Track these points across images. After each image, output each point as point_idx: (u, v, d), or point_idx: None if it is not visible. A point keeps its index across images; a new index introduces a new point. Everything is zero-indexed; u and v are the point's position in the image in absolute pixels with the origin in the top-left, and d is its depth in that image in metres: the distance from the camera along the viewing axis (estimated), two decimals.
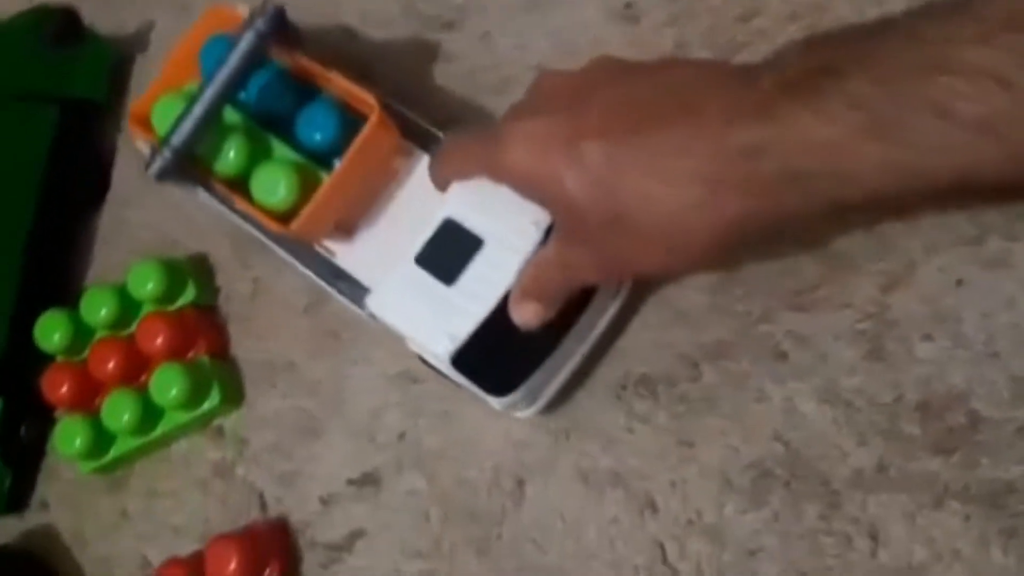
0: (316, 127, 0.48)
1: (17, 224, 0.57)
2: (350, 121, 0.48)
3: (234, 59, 0.45)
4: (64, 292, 0.59)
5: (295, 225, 0.46)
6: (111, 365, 0.54)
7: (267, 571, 0.50)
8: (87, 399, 0.55)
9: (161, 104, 0.50)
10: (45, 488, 0.59)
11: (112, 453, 0.55)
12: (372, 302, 0.44)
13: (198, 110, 0.46)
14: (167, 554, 0.54)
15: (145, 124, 0.50)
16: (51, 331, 0.55)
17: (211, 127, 0.47)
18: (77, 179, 0.60)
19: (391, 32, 0.56)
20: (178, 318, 0.53)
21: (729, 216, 0.35)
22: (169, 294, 0.54)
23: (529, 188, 0.39)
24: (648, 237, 0.36)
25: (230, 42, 0.46)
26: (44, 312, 0.56)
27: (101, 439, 0.54)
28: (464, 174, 0.42)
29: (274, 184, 0.47)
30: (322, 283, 0.49)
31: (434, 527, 0.49)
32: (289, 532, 0.52)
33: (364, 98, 0.47)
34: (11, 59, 0.57)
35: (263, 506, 0.53)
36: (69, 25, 0.59)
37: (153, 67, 0.62)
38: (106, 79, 0.61)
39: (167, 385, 0.52)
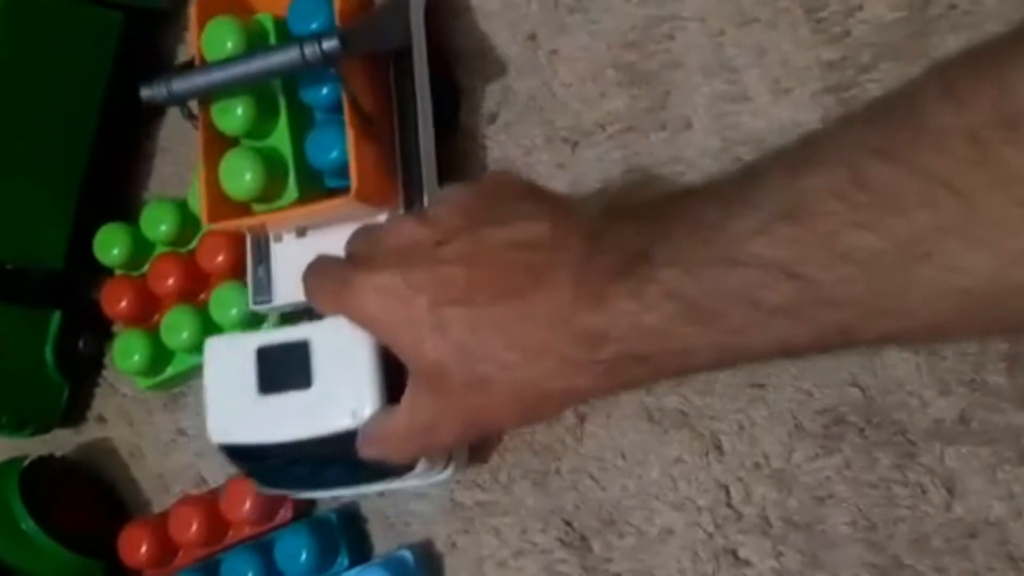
0: (326, 147, 0.46)
1: (79, 133, 0.56)
2: None
3: (264, 62, 0.43)
4: (123, 205, 0.58)
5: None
6: (171, 282, 0.53)
7: (281, 511, 0.51)
8: (146, 315, 0.54)
9: (216, 24, 0.47)
10: (102, 402, 0.59)
11: (170, 370, 0.54)
12: (210, 343, 0.45)
13: (211, 78, 0.44)
14: (223, 473, 0.54)
15: (202, 23, 0.48)
16: (110, 245, 0.55)
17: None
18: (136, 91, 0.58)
19: None
20: (239, 237, 0.52)
21: (582, 388, 0.36)
22: None
23: (384, 338, 0.39)
24: (507, 399, 0.37)
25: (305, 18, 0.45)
26: (103, 225, 0.55)
27: (159, 355, 0.54)
28: (322, 304, 0.41)
29: (240, 172, 0.46)
30: (249, 255, 0.49)
31: (492, 458, 0.49)
32: None
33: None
34: None
35: None
36: None
37: None
38: None
39: (227, 304, 0.51)
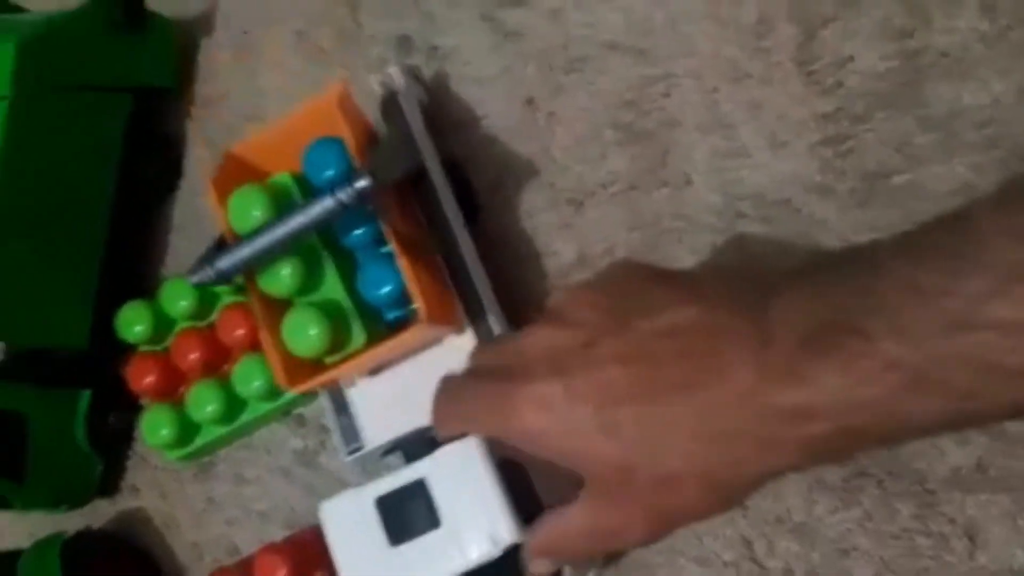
0: (379, 282, 0.45)
1: (96, 216, 0.57)
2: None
3: (305, 218, 0.43)
4: (141, 283, 0.59)
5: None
6: (194, 356, 0.54)
7: None
8: (171, 389, 0.56)
9: (240, 196, 0.46)
10: (135, 474, 0.60)
11: (198, 441, 0.55)
12: (325, 507, 0.43)
13: (256, 247, 0.44)
14: (255, 540, 0.55)
15: (222, 198, 0.47)
16: (132, 322, 0.56)
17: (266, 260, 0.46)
18: (151, 168, 0.60)
19: (460, 10, 0.54)
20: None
21: (779, 466, 0.34)
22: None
23: (549, 450, 0.37)
24: (698, 490, 0.35)
25: (332, 160, 0.45)
26: (124, 304, 0.56)
27: (186, 428, 0.55)
28: (468, 427, 0.40)
29: (303, 329, 0.45)
30: (328, 407, 0.48)
31: None
32: None
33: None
34: (80, 49, 0.56)
35: None
36: (134, 10, 0.58)
37: (219, 51, 0.61)
38: (173, 64, 0.61)
39: (250, 377, 0.52)
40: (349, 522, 0.42)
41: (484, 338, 0.46)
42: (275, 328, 0.46)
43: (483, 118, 0.52)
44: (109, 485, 0.60)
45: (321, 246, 0.47)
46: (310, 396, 0.54)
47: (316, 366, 0.46)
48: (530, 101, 0.51)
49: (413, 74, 0.52)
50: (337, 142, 0.45)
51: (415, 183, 0.48)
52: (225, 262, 0.44)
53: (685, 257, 0.47)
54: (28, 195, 0.53)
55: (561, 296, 0.38)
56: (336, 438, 0.48)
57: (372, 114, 0.50)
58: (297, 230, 0.43)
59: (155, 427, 0.55)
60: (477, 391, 0.39)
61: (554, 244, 0.50)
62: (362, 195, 0.42)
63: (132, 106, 0.58)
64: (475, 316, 0.46)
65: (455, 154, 0.51)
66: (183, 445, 0.55)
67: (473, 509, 0.40)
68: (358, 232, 0.46)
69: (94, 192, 0.57)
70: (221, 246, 0.45)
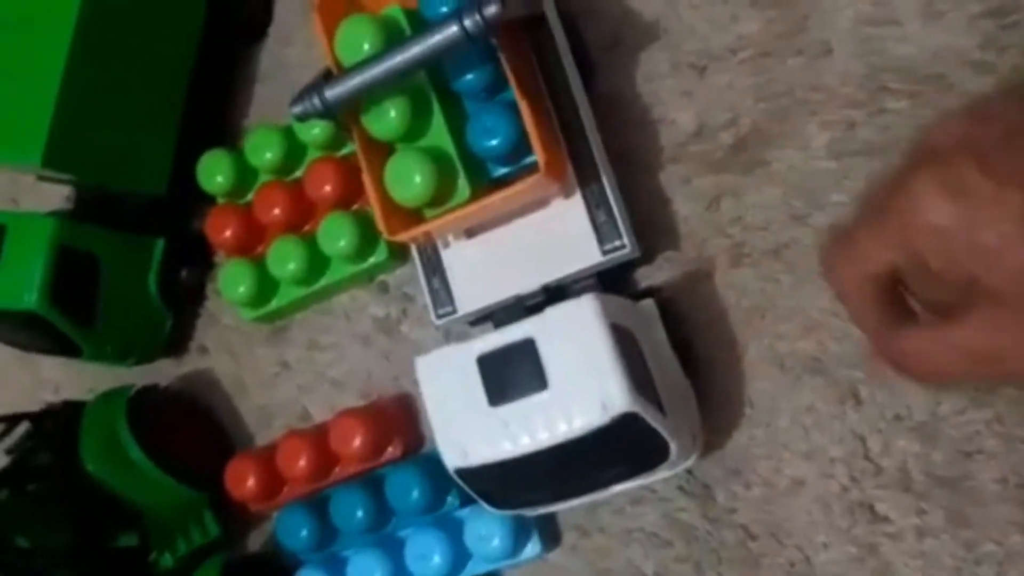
0: (491, 132, 0.42)
1: (180, 59, 0.54)
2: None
3: (423, 47, 0.39)
4: (224, 132, 0.56)
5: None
6: (277, 211, 0.52)
7: (390, 448, 0.49)
8: (251, 244, 0.53)
9: (350, 25, 0.43)
10: (204, 333, 0.58)
11: (275, 302, 0.53)
12: (421, 363, 0.41)
13: (368, 77, 0.40)
14: (328, 406, 0.53)
15: (329, 27, 0.44)
16: (214, 172, 0.53)
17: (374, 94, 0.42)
18: (239, 13, 0.56)
19: None
20: (346, 165, 0.50)
21: None
22: (336, 139, 0.51)
23: (954, 252, 0.31)
24: None
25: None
26: (206, 152, 0.53)
27: (265, 286, 0.52)
28: (870, 258, 0.34)
29: (408, 175, 0.42)
30: (419, 267, 0.46)
31: None
32: (415, 408, 0.51)
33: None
34: None
35: None
36: None
37: None
38: None
39: (335, 235, 0.50)
40: (447, 379, 0.40)
41: (594, 203, 0.43)
42: (377, 172, 0.43)
43: None
44: (177, 343, 0.58)
45: (430, 88, 0.44)
46: (395, 261, 0.51)
47: (417, 217, 0.43)
48: None
49: None
50: None
51: (530, 32, 0.44)
52: (333, 91, 0.41)
53: (816, 134, 0.44)
54: (110, 32, 0.50)
55: (972, 107, 0.33)
56: (427, 300, 0.46)
57: None
58: (414, 60, 0.40)
59: (233, 282, 0.52)
60: (872, 214, 0.33)
61: (672, 111, 0.47)
62: (489, 23, 0.38)
63: None
64: (586, 179, 0.43)
65: (569, 6, 0.48)
66: (260, 304, 0.53)
67: (585, 372, 0.37)
68: (471, 76, 0.42)
69: (179, 35, 0.54)
70: (328, 78, 0.42)
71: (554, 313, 0.38)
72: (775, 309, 0.44)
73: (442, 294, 0.45)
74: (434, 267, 0.46)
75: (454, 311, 0.45)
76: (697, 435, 0.42)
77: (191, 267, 0.56)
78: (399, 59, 0.40)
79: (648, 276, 0.46)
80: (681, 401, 0.42)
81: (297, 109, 0.41)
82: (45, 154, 0.48)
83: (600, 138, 0.44)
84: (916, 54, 0.42)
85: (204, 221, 0.54)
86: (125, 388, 0.54)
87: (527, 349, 0.38)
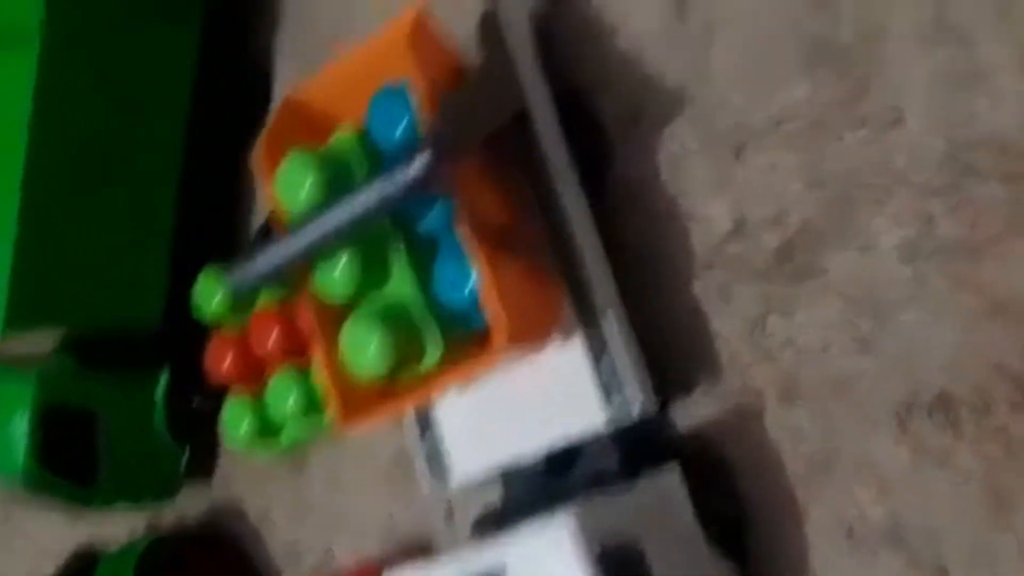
0: (459, 281, 0.34)
1: (163, 168, 0.48)
2: None
3: (353, 210, 0.32)
4: (229, 242, 0.51)
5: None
6: (272, 341, 0.45)
7: None
8: (251, 376, 0.47)
9: (290, 167, 0.36)
10: (228, 461, 0.53)
11: (284, 439, 0.47)
12: None
13: (300, 244, 0.33)
14: (351, 548, 0.47)
15: (273, 160, 0.37)
16: (211, 294, 0.47)
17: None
18: (230, 97, 0.50)
19: None
20: None
21: None
22: None
23: None
24: None
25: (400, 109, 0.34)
26: (202, 271, 0.48)
27: (269, 423, 0.46)
28: None
29: (362, 344, 0.34)
30: (409, 423, 0.39)
31: None
32: None
33: None
34: None
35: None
36: None
37: None
38: None
39: None
40: None
41: (596, 354, 0.34)
42: (332, 340, 0.35)
43: (618, 28, 0.39)
44: (202, 472, 0.53)
45: (391, 231, 0.36)
46: None
47: (380, 395, 0.35)
48: (682, 2, 0.38)
49: None
50: (402, 94, 0.34)
51: (519, 126, 0.36)
52: (263, 265, 0.34)
53: (884, 231, 0.34)
54: (68, 160, 0.45)
55: None
56: (418, 464, 0.38)
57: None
58: (346, 225, 0.32)
59: (236, 421, 0.46)
60: None
61: (703, 204, 0.38)
62: (422, 178, 0.31)
63: (201, 28, 0.48)
64: (587, 320, 0.35)
65: (578, 82, 0.39)
66: (269, 441, 0.47)
67: None
68: (434, 213, 0.34)
69: (156, 138, 0.48)
70: (267, 234, 0.35)
71: (528, 537, 0.30)
72: (841, 460, 0.34)
73: (435, 455, 0.38)
74: (425, 422, 0.38)
75: (445, 484, 0.38)
76: None
77: (203, 394, 0.51)
78: (318, 232, 0.32)
79: (684, 412, 0.37)
80: None
81: (229, 282, 0.35)
82: (6, 320, 0.43)
83: (604, 261, 0.35)
84: (1013, 123, 0.32)
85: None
86: (134, 545, 0.49)
87: None
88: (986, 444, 0.32)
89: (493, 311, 0.32)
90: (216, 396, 0.51)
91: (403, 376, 0.35)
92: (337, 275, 0.35)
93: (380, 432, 0.46)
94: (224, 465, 0.53)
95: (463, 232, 0.33)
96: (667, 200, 0.38)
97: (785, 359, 0.36)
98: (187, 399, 0.51)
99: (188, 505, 0.54)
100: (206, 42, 0.48)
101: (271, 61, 0.51)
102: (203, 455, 0.53)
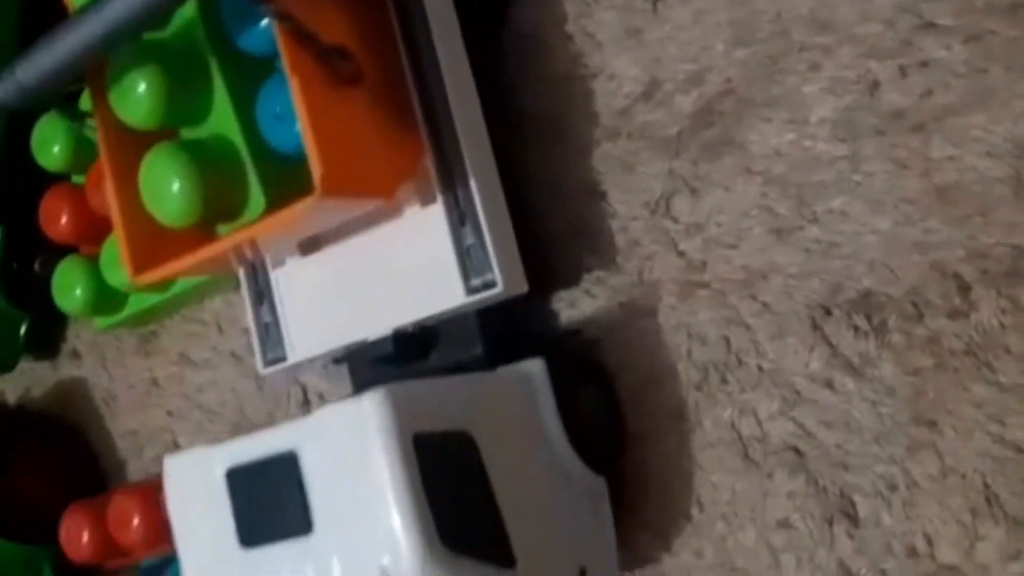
0: (286, 114, 0.28)
1: None
2: None
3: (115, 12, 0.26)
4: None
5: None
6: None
7: None
8: (91, 236, 0.41)
9: None
10: (75, 333, 0.47)
11: (126, 310, 0.41)
12: (169, 466, 0.29)
13: (59, 51, 0.27)
14: (197, 437, 0.42)
15: None
16: (51, 141, 0.41)
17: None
18: None
19: None
20: None
21: None
22: None
23: None
24: None
25: None
26: (44, 115, 0.41)
27: (109, 291, 0.40)
28: None
29: (163, 182, 0.28)
30: (245, 294, 0.33)
31: None
32: None
33: None
34: None
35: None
36: None
37: None
38: None
39: None
40: (194, 496, 0.27)
41: (457, 219, 0.28)
42: (131, 182, 0.29)
43: None
44: (46, 346, 0.47)
45: (209, 47, 0.29)
46: None
47: (185, 243, 0.29)
48: None
49: None
50: None
51: None
52: (24, 71, 0.27)
53: (818, 100, 0.28)
54: None
55: None
56: (253, 340, 0.33)
57: None
58: (120, 24, 0.26)
59: (66, 285, 0.41)
60: None
61: (611, 59, 0.32)
62: None
63: None
64: (450, 182, 0.29)
65: None
66: (109, 311, 0.41)
67: (361, 511, 0.24)
68: (260, 28, 0.28)
69: None
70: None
71: (327, 416, 0.25)
72: (743, 369, 0.29)
73: (271, 332, 0.32)
74: (260, 294, 0.33)
75: (283, 357, 0.32)
76: (600, 565, 0.28)
77: (45, 256, 0.45)
78: (97, 23, 0.26)
79: (568, 305, 0.32)
80: (569, 518, 0.28)
81: None
82: None
83: (479, 122, 0.29)
84: None
85: None
86: None
87: (288, 469, 0.25)
88: (914, 356, 0.26)
89: (309, 152, 0.26)
90: (61, 258, 0.45)
91: (221, 230, 0.29)
92: (141, 90, 0.28)
93: (240, 306, 0.41)
94: (72, 340, 0.47)
95: (281, 50, 0.26)
96: (569, 55, 0.32)
97: (691, 248, 0.30)
98: (27, 259, 0.44)
99: (32, 384, 0.48)
100: None
101: None
102: (47, 328, 0.47)
